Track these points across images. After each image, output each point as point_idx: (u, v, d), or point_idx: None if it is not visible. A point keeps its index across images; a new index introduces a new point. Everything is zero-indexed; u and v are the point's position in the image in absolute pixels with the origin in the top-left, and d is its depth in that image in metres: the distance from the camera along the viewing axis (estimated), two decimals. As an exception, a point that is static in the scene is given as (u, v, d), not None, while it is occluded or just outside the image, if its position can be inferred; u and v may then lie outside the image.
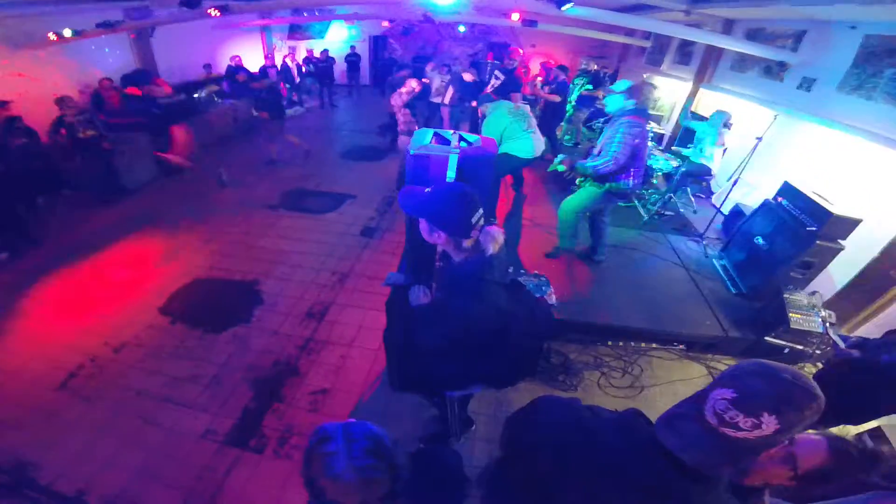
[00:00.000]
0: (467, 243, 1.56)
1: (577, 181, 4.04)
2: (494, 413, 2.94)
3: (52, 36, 5.70)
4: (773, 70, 5.56)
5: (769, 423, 0.78)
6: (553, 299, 3.37)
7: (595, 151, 3.72)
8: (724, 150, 5.43)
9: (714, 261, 4.56)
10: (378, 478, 0.98)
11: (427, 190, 1.58)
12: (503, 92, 5.84)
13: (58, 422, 2.90)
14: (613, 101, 3.53)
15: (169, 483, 2.55)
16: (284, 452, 2.72)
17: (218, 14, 5.39)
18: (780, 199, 4.09)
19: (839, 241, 3.55)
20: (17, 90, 5.94)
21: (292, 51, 12.00)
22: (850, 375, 2.34)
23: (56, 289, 4.19)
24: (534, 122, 4.80)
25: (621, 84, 3.54)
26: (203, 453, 2.71)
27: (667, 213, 5.47)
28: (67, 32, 5.66)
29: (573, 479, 1.01)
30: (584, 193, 3.87)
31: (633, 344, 3.63)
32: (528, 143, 4.64)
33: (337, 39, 13.74)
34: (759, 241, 4.04)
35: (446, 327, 1.55)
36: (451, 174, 2.33)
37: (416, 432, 2.76)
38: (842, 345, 2.61)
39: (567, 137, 8.11)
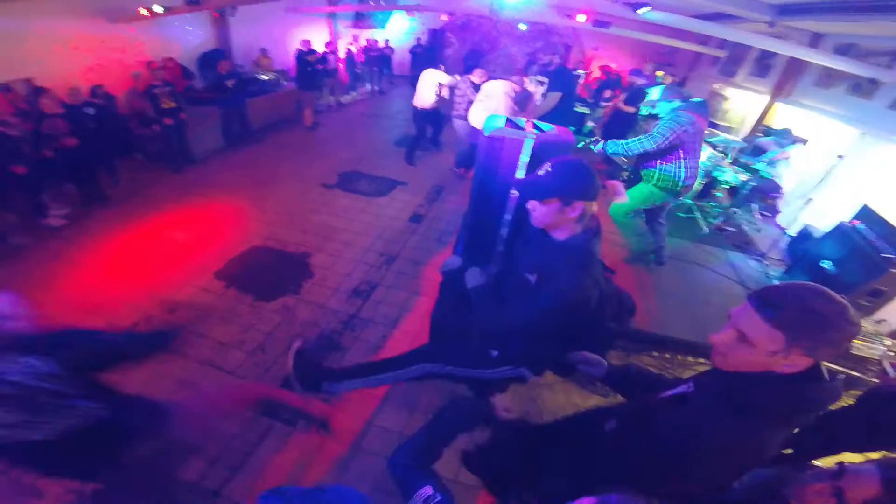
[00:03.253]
0: (595, 207, 1.57)
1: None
2: (527, 411, 2.91)
3: (143, 11, 6.06)
4: (863, 87, 5.20)
5: None
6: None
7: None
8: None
9: (775, 282, 4.31)
10: None
11: (543, 172, 1.54)
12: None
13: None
14: (661, 107, 3.66)
15: (196, 450, 2.53)
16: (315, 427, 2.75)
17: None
18: (855, 222, 3.84)
19: (916, 271, 3.32)
20: (109, 60, 6.48)
21: (355, 39, 12.27)
22: None
23: (121, 246, 4.42)
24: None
25: (657, 92, 3.69)
26: (235, 422, 2.71)
27: (728, 228, 5.22)
28: (158, 8, 6.02)
29: None
30: (635, 191, 3.81)
31: (679, 357, 3.50)
32: None
33: (398, 30, 13.94)
34: (828, 265, 3.81)
35: (550, 302, 1.53)
36: (524, 158, 2.31)
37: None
38: (892, 373, 2.46)
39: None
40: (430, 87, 6.52)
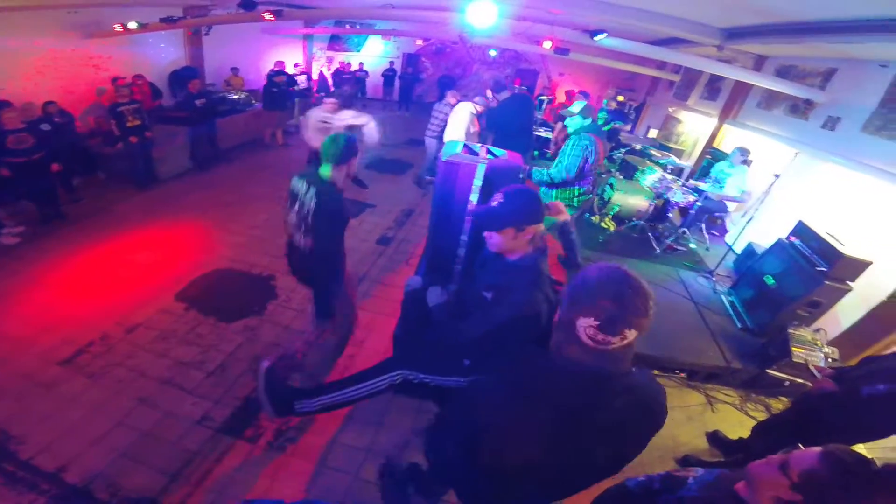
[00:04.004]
0: (542, 227, 1.72)
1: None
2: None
3: (117, 27, 6.07)
4: (800, 108, 5.57)
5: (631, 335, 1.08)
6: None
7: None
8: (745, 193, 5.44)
9: (722, 297, 4.56)
10: None
11: (496, 203, 1.67)
12: None
13: (55, 396, 2.90)
14: (573, 122, 4.03)
15: (154, 466, 2.53)
16: (278, 444, 2.73)
17: (272, 18, 5.66)
18: (793, 238, 4.10)
19: (847, 282, 3.57)
20: (77, 75, 6.45)
21: (329, 61, 12.43)
22: (829, 408, 2.37)
23: (79, 265, 4.35)
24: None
25: (577, 104, 3.97)
26: (195, 439, 2.72)
27: (679, 247, 5.46)
28: (132, 24, 6.04)
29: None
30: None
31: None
32: None
33: (372, 54, 14.20)
34: (770, 281, 4.04)
35: (503, 317, 1.65)
36: (477, 182, 2.48)
37: (414, 439, 2.81)
38: (818, 375, 2.61)
39: None
40: (314, 126, 5.51)
